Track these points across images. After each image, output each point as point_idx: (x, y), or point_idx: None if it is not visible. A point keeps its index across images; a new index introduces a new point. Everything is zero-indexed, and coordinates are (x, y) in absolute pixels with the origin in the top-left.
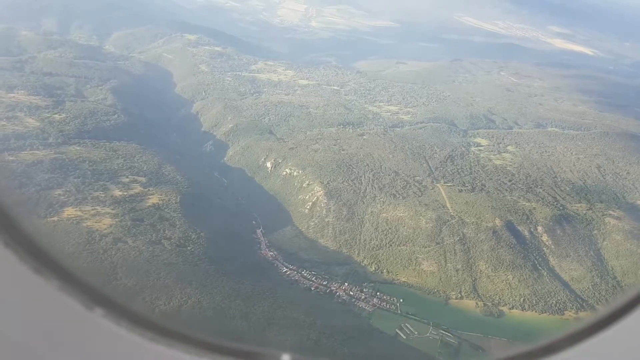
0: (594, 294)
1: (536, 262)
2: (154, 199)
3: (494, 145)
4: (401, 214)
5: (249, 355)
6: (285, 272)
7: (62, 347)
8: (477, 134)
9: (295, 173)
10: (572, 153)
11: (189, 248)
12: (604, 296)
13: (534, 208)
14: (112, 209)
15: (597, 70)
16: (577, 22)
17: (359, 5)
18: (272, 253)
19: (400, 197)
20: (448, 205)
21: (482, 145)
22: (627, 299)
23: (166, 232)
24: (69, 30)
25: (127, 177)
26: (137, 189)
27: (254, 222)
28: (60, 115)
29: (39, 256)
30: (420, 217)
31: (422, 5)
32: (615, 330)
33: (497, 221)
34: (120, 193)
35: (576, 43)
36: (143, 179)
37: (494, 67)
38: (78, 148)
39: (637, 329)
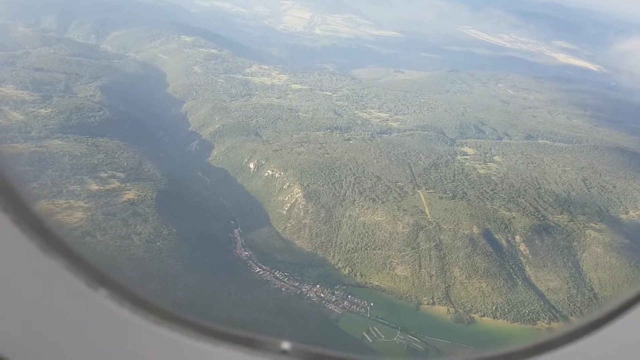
0: (569, 305)
1: (511, 271)
2: (129, 195)
3: (480, 155)
4: (379, 218)
5: (249, 342)
6: (258, 272)
7: (65, 325)
8: (465, 143)
9: (277, 175)
10: (559, 165)
11: (158, 244)
12: (579, 308)
13: (514, 217)
14: (86, 203)
15: (597, 85)
16: (583, 39)
17: (365, 15)
18: (247, 253)
19: (380, 202)
20: (427, 211)
21: (468, 155)
22: (624, 299)
23: (137, 227)
24: (67, 28)
25: (106, 172)
26: (115, 184)
27: (232, 222)
28: (46, 110)
29: (46, 235)
30: (398, 222)
31: (429, 17)
32: (611, 329)
33: (475, 229)
34: (97, 187)
35: (580, 58)
36: (122, 175)
37: (491, 79)
38: (60, 142)
39: (633, 329)
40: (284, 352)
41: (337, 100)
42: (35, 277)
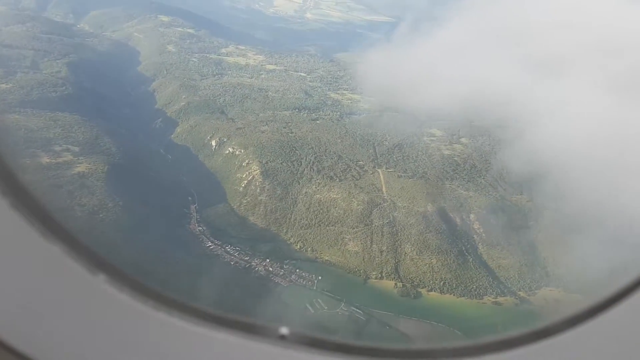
0: (519, 281)
1: (463, 249)
2: (81, 168)
3: (447, 137)
4: (335, 196)
5: (247, 326)
6: (209, 246)
7: (64, 310)
8: (434, 125)
9: (237, 152)
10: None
11: (100, 215)
12: (528, 284)
13: (471, 197)
14: (33, 176)
15: None
16: None
17: (360, 0)
18: (200, 228)
19: (337, 180)
20: (384, 189)
21: (435, 136)
22: (623, 285)
23: (82, 199)
24: (46, 7)
25: (60, 146)
26: (67, 157)
27: (190, 198)
28: (6, 85)
29: (45, 220)
30: (353, 199)
31: (423, 3)
32: (610, 315)
33: (430, 207)
34: (48, 160)
35: None
36: (76, 149)
37: None
38: (17, 117)
39: (632, 315)
40: (283, 337)
41: (310, 82)
42: (34, 261)
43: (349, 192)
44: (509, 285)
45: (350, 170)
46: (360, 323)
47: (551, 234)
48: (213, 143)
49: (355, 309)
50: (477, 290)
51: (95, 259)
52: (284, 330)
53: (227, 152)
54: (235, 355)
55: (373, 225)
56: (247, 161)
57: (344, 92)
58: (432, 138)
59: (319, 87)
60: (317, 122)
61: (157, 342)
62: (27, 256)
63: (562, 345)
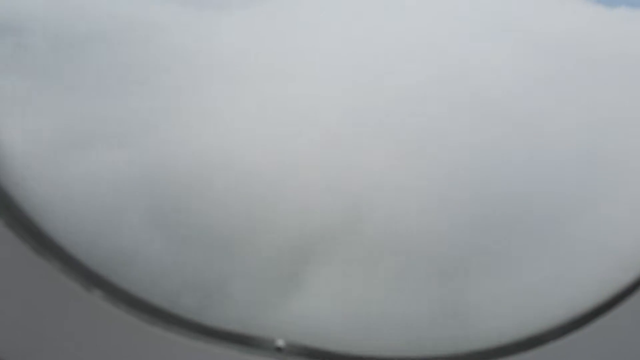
0: None
1: None
2: None
3: None
4: None
5: (243, 339)
6: None
7: (60, 327)
8: None
9: None
10: None
11: None
12: None
13: None
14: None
15: None
16: None
17: None
18: None
19: None
20: None
21: None
22: (615, 291)
23: None
24: None
25: None
26: None
27: None
28: None
29: (40, 237)
30: None
31: None
32: (602, 323)
33: None
34: None
35: None
36: None
37: None
38: None
39: (625, 322)
40: (279, 349)
41: None
42: (29, 280)
43: None
44: None
45: None
46: None
47: None
48: None
49: None
50: None
51: (91, 274)
52: (280, 342)
53: None
54: None
55: None
56: None
57: None
58: None
59: None
60: None
61: (151, 356)
62: (22, 274)
63: (555, 354)
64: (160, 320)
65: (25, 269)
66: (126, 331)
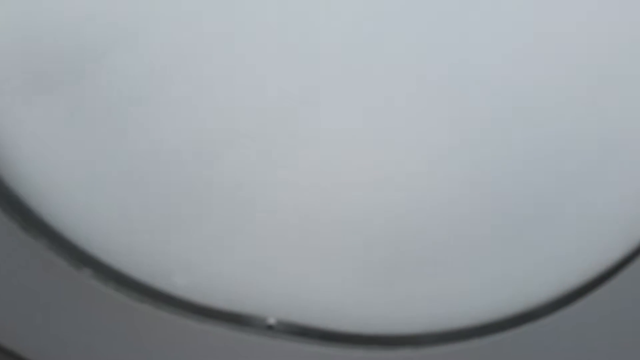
0: None
1: None
2: None
3: None
4: None
5: (234, 317)
6: None
7: (48, 306)
8: None
9: None
10: None
11: None
12: None
13: None
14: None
15: None
16: None
17: None
18: None
19: None
20: None
21: None
22: (607, 266)
23: None
24: None
25: None
26: None
27: None
28: None
29: (27, 214)
30: None
31: None
32: (595, 297)
33: None
34: None
35: None
36: None
37: None
38: None
39: (617, 297)
40: (270, 327)
41: None
42: (16, 257)
43: None
44: None
45: None
46: None
47: None
48: None
49: None
50: None
51: (79, 253)
52: (271, 320)
53: None
54: (220, 347)
55: None
56: None
57: None
58: None
59: None
60: None
61: (141, 335)
62: (8, 252)
63: (545, 330)
64: (150, 299)
65: (12, 247)
66: (116, 309)
